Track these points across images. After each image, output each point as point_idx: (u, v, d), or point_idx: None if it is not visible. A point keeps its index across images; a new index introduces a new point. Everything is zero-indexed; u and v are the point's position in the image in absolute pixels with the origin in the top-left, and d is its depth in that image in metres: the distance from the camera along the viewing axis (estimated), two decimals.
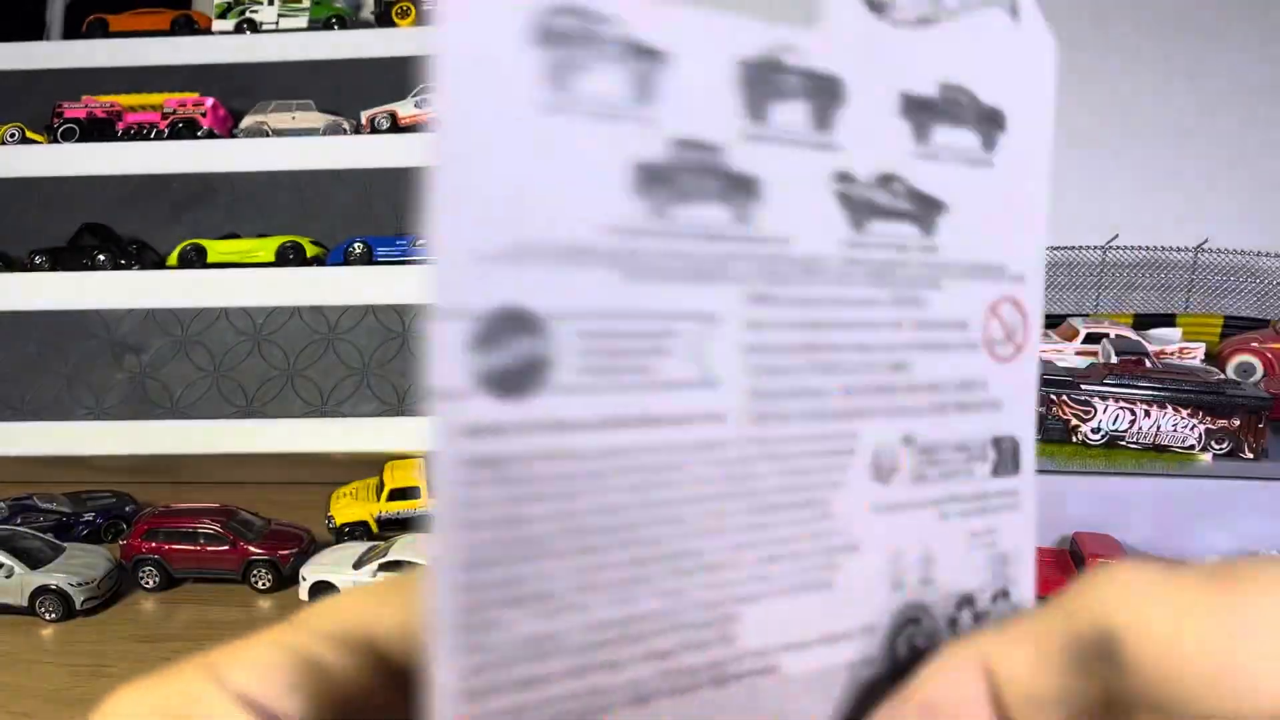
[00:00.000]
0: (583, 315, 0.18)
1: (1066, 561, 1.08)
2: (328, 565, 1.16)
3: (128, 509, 1.41)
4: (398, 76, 1.73)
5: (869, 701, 0.24)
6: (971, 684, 0.17)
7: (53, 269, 1.55)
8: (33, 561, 1.18)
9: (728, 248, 0.20)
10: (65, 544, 1.26)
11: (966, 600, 0.26)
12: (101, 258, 1.54)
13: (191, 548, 1.23)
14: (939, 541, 0.26)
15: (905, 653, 0.25)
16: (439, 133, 0.16)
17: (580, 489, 0.19)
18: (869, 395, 0.23)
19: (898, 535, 0.24)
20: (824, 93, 0.22)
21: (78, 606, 1.16)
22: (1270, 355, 1.49)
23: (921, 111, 0.23)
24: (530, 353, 0.18)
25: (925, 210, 0.25)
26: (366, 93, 1.73)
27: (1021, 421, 0.29)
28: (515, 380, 0.18)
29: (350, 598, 0.19)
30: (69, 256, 1.55)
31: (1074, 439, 1.31)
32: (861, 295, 0.23)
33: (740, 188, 0.21)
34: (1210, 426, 1.28)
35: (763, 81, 0.20)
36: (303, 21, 1.84)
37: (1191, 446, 1.29)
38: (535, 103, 0.17)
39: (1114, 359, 1.43)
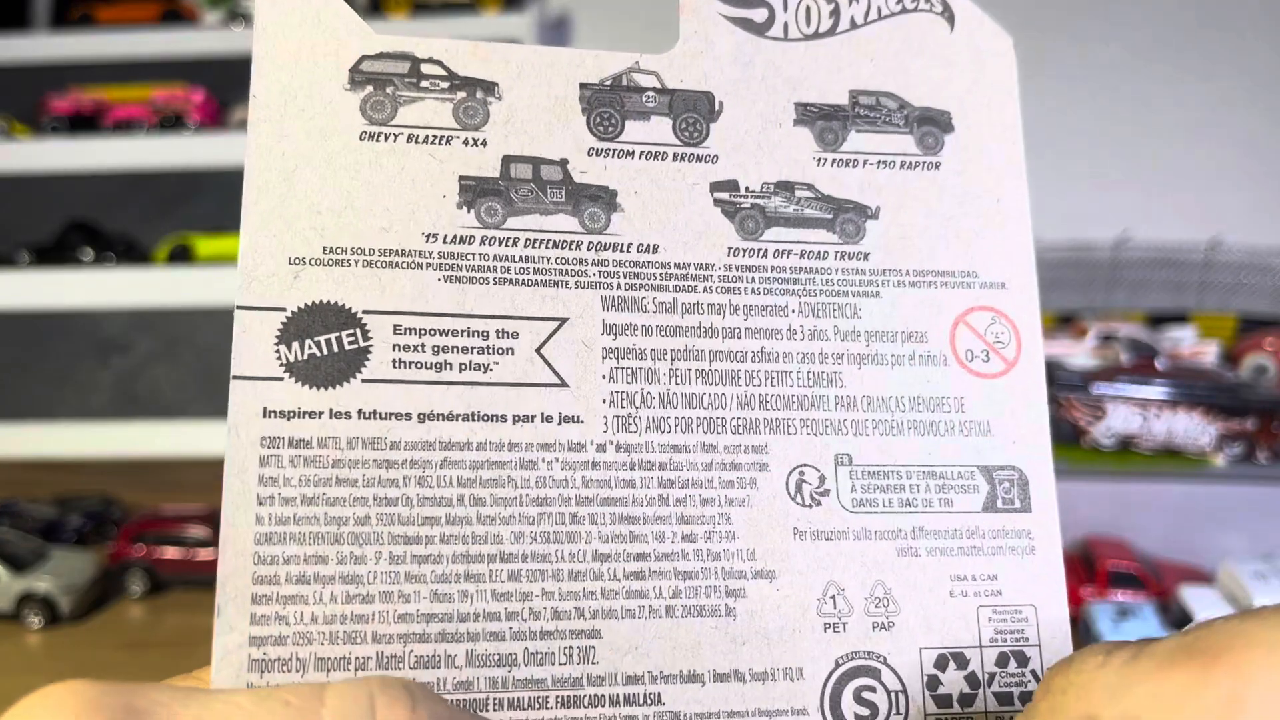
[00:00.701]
0: (399, 313, 0.20)
1: (1078, 567, 1.06)
2: None
3: (115, 512, 1.39)
4: None
5: None
6: None
7: (38, 266, 1.52)
8: (17, 566, 1.16)
9: (579, 255, 0.21)
10: (50, 548, 1.24)
11: (953, 659, 0.23)
12: (88, 255, 1.51)
13: (180, 552, 1.20)
14: (902, 582, 0.23)
15: (857, 712, 0.22)
16: (251, 160, 0.18)
17: (398, 477, 0.20)
18: (781, 408, 0.22)
19: (833, 567, 0.22)
20: (689, 108, 0.23)
21: (64, 612, 1.14)
22: None
23: (827, 119, 0.24)
24: (341, 345, 0.19)
25: (843, 215, 0.24)
26: None
27: (1028, 450, 0.26)
28: (324, 369, 0.20)
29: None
30: (55, 254, 1.52)
31: (1084, 441, 1.29)
32: (760, 303, 0.23)
33: (590, 199, 0.22)
34: (1224, 428, 1.26)
35: (609, 102, 0.22)
36: None
37: (1205, 449, 1.27)
38: (355, 131, 0.19)
39: (1126, 359, 1.40)
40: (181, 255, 1.53)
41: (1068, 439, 1.30)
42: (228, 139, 1.65)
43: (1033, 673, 0.25)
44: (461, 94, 0.20)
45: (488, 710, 0.20)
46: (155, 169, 1.64)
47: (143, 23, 1.86)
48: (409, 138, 0.20)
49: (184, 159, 1.63)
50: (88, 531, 1.36)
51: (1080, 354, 1.48)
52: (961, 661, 0.24)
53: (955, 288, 0.25)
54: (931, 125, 0.26)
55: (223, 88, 1.74)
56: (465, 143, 0.20)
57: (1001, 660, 0.25)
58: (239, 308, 0.19)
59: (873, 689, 0.23)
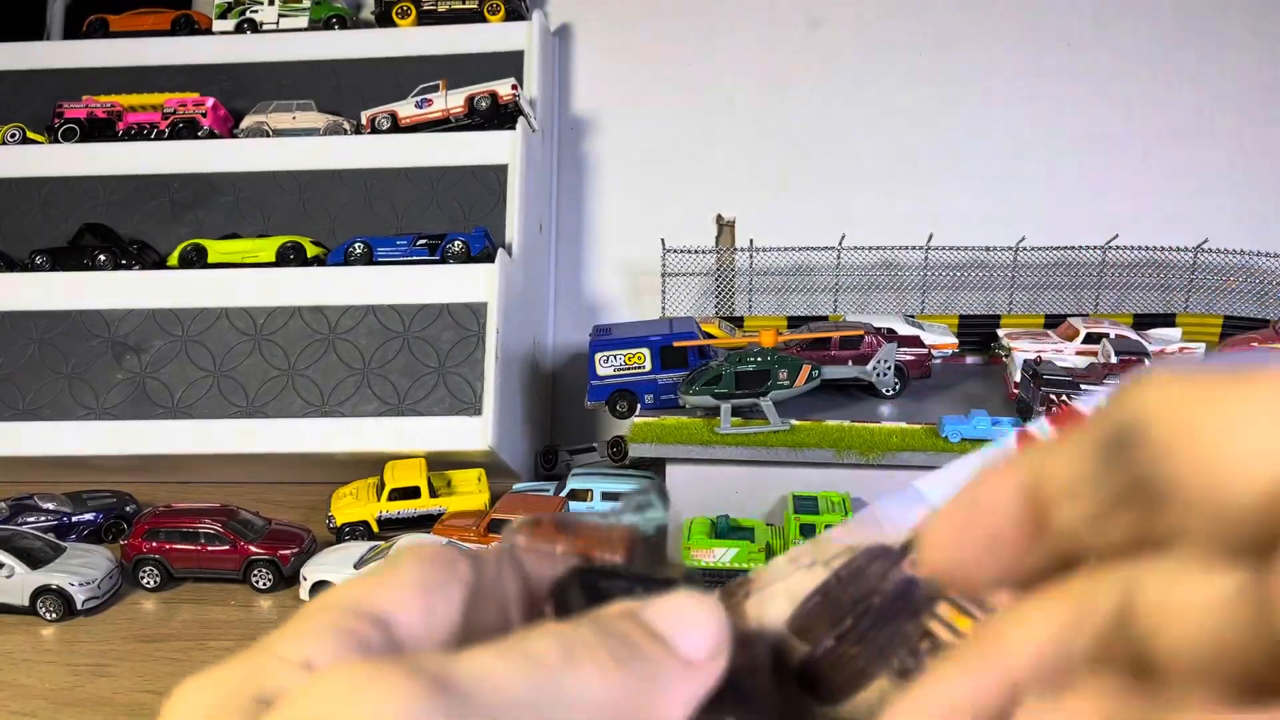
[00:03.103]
0: None
1: None
2: (328, 565, 1.17)
3: (128, 509, 1.41)
4: (398, 77, 1.74)
5: None
6: (1007, 488, 0.19)
7: (53, 269, 1.55)
8: (33, 561, 1.18)
9: None
10: (66, 544, 1.27)
11: None
12: (102, 258, 1.54)
13: (192, 547, 1.23)
14: None
15: None
16: None
17: None
18: None
19: None
20: None
21: (78, 606, 1.16)
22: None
23: None
24: None
25: None
26: (367, 93, 1.73)
27: None
28: None
29: (357, 583, 0.21)
30: (70, 257, 1.55)
31: None
32: None
33: None
34: None
35: None
36: (303, 21, 1.84)
37: None
38: None
39: (1114, 359, 1.43)
40: (194, 258, 1.56)
41: None
42: (239, 145, 1.69)
43: None
44: None
45: None
46: (168, 174, 1.66)
47: (155, 31, 1.89)
48: None
49: (196, 164, 1.66)
50: (102, 527, 1.39)
51: (1069, 354, 1.51)
52: None
53: None
54: None
55: (234, 95, 1.77)
56: None
57: None
58: None
59: None
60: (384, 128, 1.66)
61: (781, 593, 0.32)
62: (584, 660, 0.20)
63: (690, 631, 0.22)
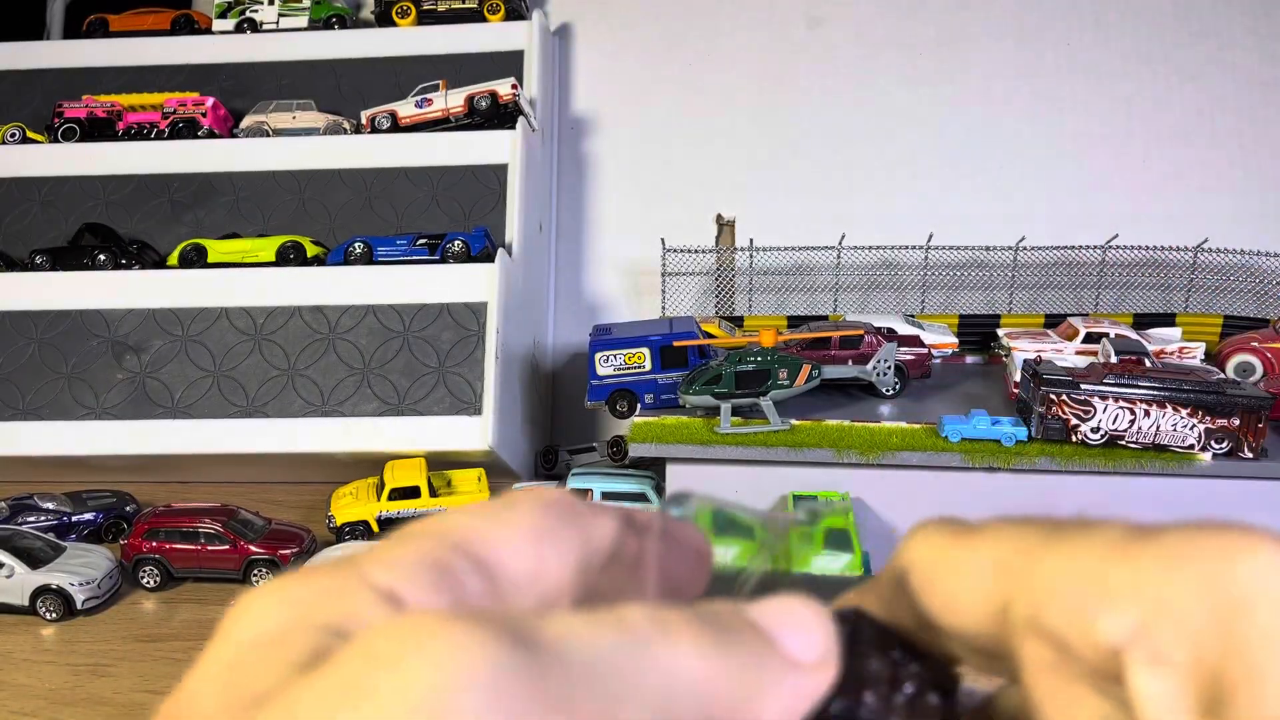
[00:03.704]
0: None
1: None
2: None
3: (128, 508, 1.41)
4: (398, 76, 1.74)
5: None
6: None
7: (53, 269, 1.55)
8: (33, 561, 1.18)
9: None
10: (66, 544, 1.27)
11: None
12: (102, 258, 1.54)
13: (192, 547, 1.23)
14: None
15: None
16: None
17: None
18: None
19: None
20: None
21: (78, 606, 1.16)
22: (1270, 355, 1.49)
23: None
24: None
25: None
26: (366, 92, 1.73)
27: None
28: None
29: (468, 516, 0.21)
30: (70, 256, 1.55)
31: (1073, 438, 1.31)
32: None
33: None
34: (1210, 426, 1.28)
35: None
36: (303, 21, 1.84)
37: (1191, 446, 1.29)
38: None
39: (1114, 358, 1.43)
40: (194, 258, 1.56)
41: (1057, 437, 1.32)
42: (239, 145, 1.69)
43: None
44: None
45: None
46: (168, 174, 1.66)
47: (155, 31, 1.89)
48: None
49: (196, 164, 1.66)
50: (102, 527, 1.39)
51: (1069, 353, 1.51)
52: None
53: None
54: None
55: (234, 94, 1.77)
56: None
57: None
58: None
59: None
60: (384, 127, 1.66)
61: None
62: (681, 635, 0.19)
63: (799, 633, 0.21)
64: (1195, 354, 1.50)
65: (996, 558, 0.20)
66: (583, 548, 0.21)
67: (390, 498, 1.32)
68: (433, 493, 1.32)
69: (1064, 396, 1.31)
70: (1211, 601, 0.18)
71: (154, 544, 1.24)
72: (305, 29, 1.83)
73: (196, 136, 1.69)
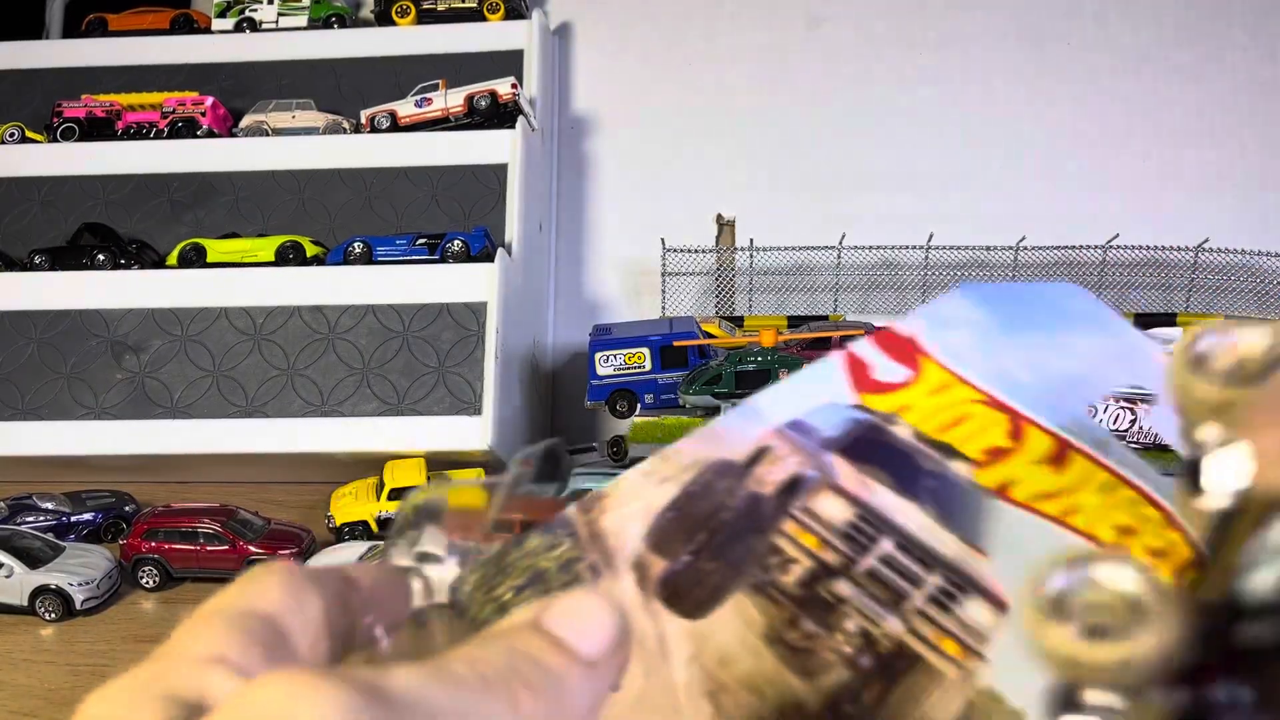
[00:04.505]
0: None
1: None
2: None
3: (127, 508, 1.41)
4: (398, 76, 1.73)
5: None
6: None
7: (52, 269, 1.54)
8: (32, 561, 1.18)
9: None
10: (65, 543, 1.26)
11: None
12: (101, 257, 1.54)
13: (191, 547, 1.23)
14: None
15: None
16: None
17: None
18: None
19: None
20: None
21: (77, 606, 1.16)
22: None
23: None
24: None
25: None
26: (366, 92, 1.73)
27: None
28: None
29: (228, 590, 0.23)
30: (69, 256, 1.55)
31: None
32: None
33: None
34: None
35: None
36: (302, 20, 1.84)
37: None
38: None
39: None
40: (193, 258, 1.56)
41: None
42: (238, 144, 1.68)
43: None
44: None
45: None
46: (167, 174, 1.66)
47: (154, 30, 1.89)
48: None
49: (195, 164, 1.66)
50: (101, 527, 1.39)
51: None
52: None
53: None
54: None
55: (233, 94, 1.77)
56: None
57: None
58: None
59: None
60: (383, 127, 1.66)
61: (639, 510, 0.35)
62: (500, 689, 0.21)
63: (591, 634, 0.24)
64: None
65: None
66: (320, 592, 0.24)
67: (390, 498, 1.32)
68: None
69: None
70: None
71: (153, 544, 1.24)
72: (304, 28, 1.83)
73: (196, 136, 1.68)
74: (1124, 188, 1.77)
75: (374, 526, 1.32)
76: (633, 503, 0.38)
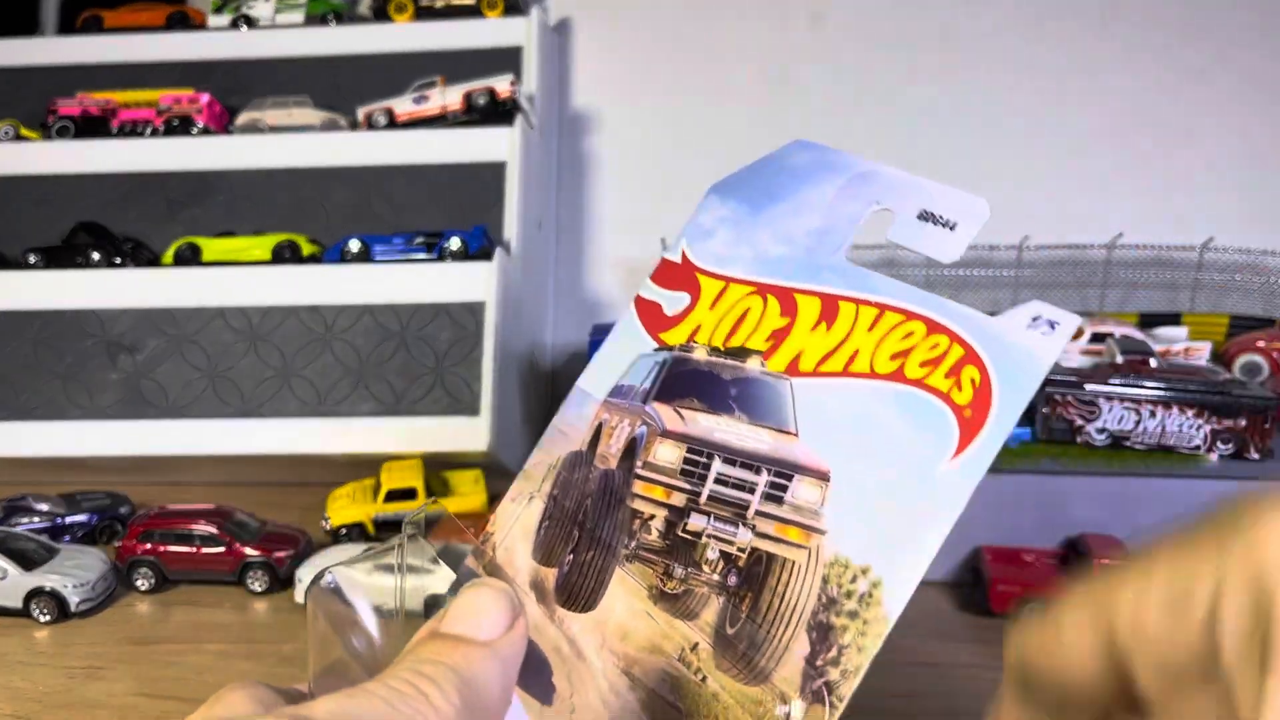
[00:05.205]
0: None
1: (1072, 563, 1.07)
2: (324, 567, 1.15)
3: (122, 510, 1.40)
4: (395, 73, 1.72)
5: None
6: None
7: (47, 268, 1.53)
8: (27, 563, 1.17)
9: None
10: (59, 545, 1.25)
11: None
12: (96, 256, 1.53)
13: (187, 549, 1.22)
14: None
15: None
16: None
17: None
18: None
19: None
20: None
21: (72, 608, 1.15)
22: (1276, 354, 1.47)
23: None
24: None
25: None
26: (363, 89, 1.72)
27: None
28: None
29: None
30: (63, 255, 1.54)
31: (1078, 439, 1.30)
32: None
33: None
34: (1216, 427, 1.27)
35: None
36: (299, 17, 1.82)
37: (1197, 447, 1.28)
38: None
39: (1119, 358, 1.41)
40: (188, 256, 1.55)
41: (1062, 437, 1.31)
42: (234, 142, 1.67)
43: None
44: None
45: None
46: (162, 172, 1.65)
47: (149, 27, 1.88)
48: None
49: (191, 162, 1.65)
50: (96, 528, 1.38)
51: (1074, 354, 1.50)
52: None
53: None
54: None
55: (229, 91, 1.76)
56: None
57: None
58: None
59: None
60: (381, 124, 1.64)
61: (519, 534, 0.37)
62: (410, 694, 0.25)
63: (484, 619, 0.27)
64: (1201, 354, 1.49)
65: (1084, 608, 0.23)
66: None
67: (387, 499, 1.30)
68: (430, 494, 1.31)
69: (1069, 397, 1.30)
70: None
71: (148, 546, 1.22)
72: (301, 25, 1.82)
73: (191, 133, 1.67)
74: (1128, 186, 1.76)
75: (370, 528, 1.31)
76: (513, 529, 0.40)
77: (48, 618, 1.14)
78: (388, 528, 1.31)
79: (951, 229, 0.45)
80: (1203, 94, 1.74)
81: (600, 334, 1.57)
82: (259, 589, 1.20)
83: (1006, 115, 1.81)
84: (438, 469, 1.38)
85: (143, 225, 1.63)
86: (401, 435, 1.37)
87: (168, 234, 1.60)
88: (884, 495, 0.38)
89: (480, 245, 1.48)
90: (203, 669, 0.99)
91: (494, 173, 1.57)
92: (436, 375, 1.39)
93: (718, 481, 0.41)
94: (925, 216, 0.45)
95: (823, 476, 0.39)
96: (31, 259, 1.54)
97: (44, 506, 1.36)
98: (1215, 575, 0.23)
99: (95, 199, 1.64)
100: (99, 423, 1.43)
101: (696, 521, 0.40)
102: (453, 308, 1.42)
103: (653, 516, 0.40)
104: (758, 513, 0.40)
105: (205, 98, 1.70)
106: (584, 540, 0.39)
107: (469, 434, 1.35)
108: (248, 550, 1.21)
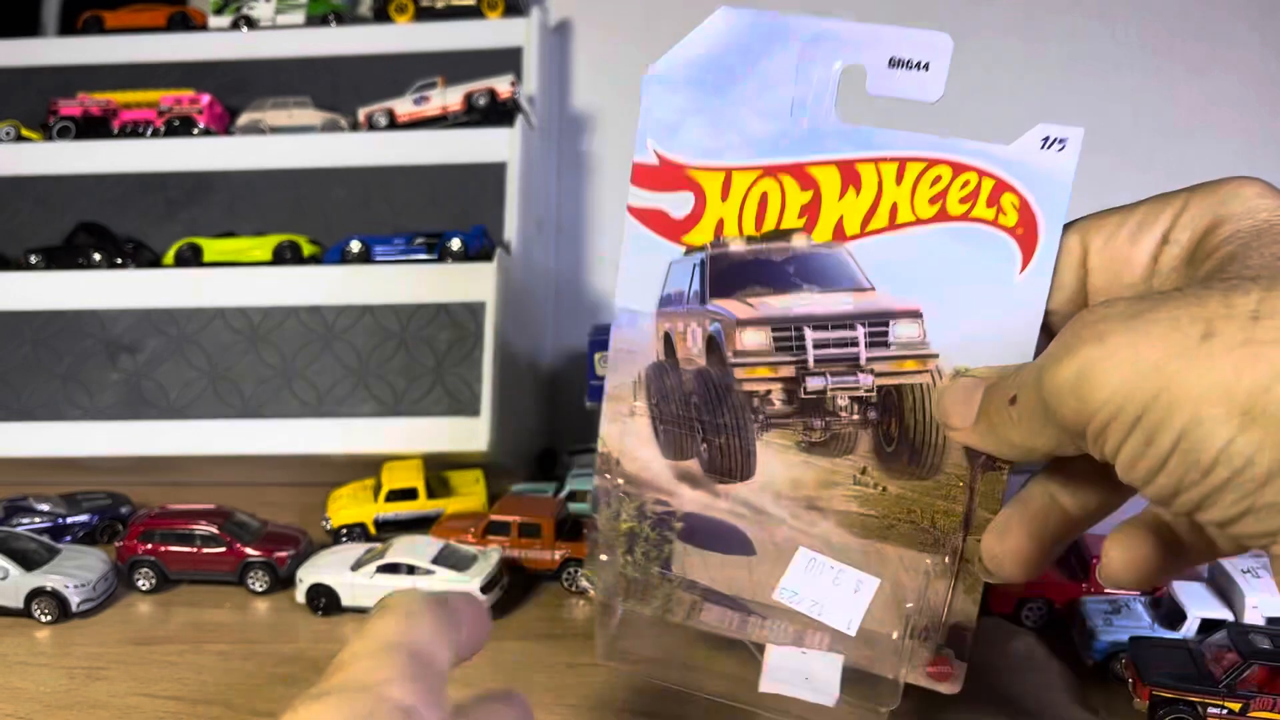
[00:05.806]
0: None
1: (1071, 562, 1.07)
2: (325, 567, 1.15)
3: (123, 510, 1.40)
4: (395, 73, 1.72)
5: None
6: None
7: (48, 268, 1.54)
8: (28, 563, 1.17)
9: None
10: (60, 545, 1.25)
11: None
12: (97, 257, 1.53)
13: (188, 549, 1.22)
14: None
15: None
16: None
17: None
18: None
19: None
20: None
21: (74, 608, 1.15)
22: None
23: None
24: None
25: None
26: (364, 89, 1.72)
27: None
28: None
29: (401, 623, 0.37)
30: (64, 256, 1.54)
31: None
32: None
33: None
34: None
35: None
36: (300, 17, 1.82)
37: None
38: None
39: None
40: (189, 257, 1.55)
41: None
42: (235, 142, 1.67)
43: None
44: None
45: None
46: (163, 172, 1.65)
47: (150, 28, 1.88)
48: None
49: (191, 162, 1.65)
50: (97, 529, 1.38)
51: None
52: None
53: None
54: None
55: (230, 91, 1.76)
56: None
57: None
58: None
59: None
60: (381, 125, 1.65)
61: (637, 446, 0.42)
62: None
63: (469, 606, 0.41)
64: None
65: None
66: (452, 624, 0.38)
67: (387, 499, 1.30)
68: (430, 494, 1.31)
69: None
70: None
71: (149, 546, 1.22)
72: (302, 25, 1.82)
73: (192, 134, 1.68)
74: (1129, 185, 1.75)
75: (371, 528, 1.31)
76: (626, 442, 0.46)
77: (49, 618, 1.14)
78: (388, 528, 1.31)
79: (926, 69, 0.53)
80: (1203, 91, 1.75)
81: (600, 334, 1.57)
82: (260, 589, 1.20)
83: (1006, 115, 1.81)
84: (438, 469, 1.38)
85: (143, 225, 1.63)
86: (402, 435, 1.37)
87: (168, 234, 1.60)
88: (974, 315, 0.43)
89: (480, 245, 1.48)
90: (203, 669, 0.99)
91: (494, 173, 1.57)
92: (436, 375, 1.39)
93: (818, 346, 0.45)
94: (896, 63, 0.52)
95: (915, 314, 0.44)
96: (32, 259, 1.55)
97: (45, 507, 1.37)
98: (1180, 204, 0.32)
99: (96, 199, 1.64)
100: (99, 423, 1.43)
101: (815, 382, 0.45)
102: (453, 308, 1.42)
103: (769, 391, 0.43)
104: (870, 359, 0.45)
105: (206, 98, 1.70)
106: (710, 430, 0.46)
107: (469, 434, 1.35)
108: (248, 550, 1.21)
